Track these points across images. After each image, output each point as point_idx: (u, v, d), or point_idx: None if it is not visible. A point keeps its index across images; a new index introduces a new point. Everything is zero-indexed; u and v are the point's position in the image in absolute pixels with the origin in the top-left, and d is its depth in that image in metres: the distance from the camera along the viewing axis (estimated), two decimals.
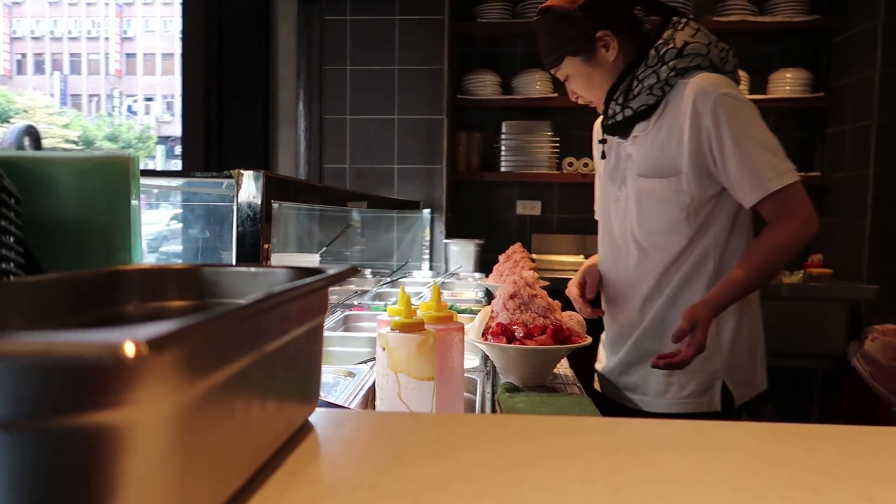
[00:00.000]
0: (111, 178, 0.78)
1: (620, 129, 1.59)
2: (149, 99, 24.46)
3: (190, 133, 3.17)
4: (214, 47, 3.15)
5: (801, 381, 3.46)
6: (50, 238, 0.77)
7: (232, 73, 3.19)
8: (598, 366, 1.78)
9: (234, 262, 0.90)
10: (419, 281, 2.83)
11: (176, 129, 16.55)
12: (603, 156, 1.69)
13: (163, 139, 21.71)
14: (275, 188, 0.90)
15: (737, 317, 1.55)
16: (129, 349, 0.25)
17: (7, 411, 0.27)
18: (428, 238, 3.36)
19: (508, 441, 0.51)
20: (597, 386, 1.78)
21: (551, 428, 0.53)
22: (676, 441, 0.50)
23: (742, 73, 3.53)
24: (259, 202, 0.85)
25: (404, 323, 0.97)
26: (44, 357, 0.26)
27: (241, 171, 0.88)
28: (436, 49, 3.29)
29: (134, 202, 0.80)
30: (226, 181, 0.90)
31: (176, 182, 1.34)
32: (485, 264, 3.07)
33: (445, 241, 3.28)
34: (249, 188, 0.86)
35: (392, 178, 3.34)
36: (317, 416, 0.57)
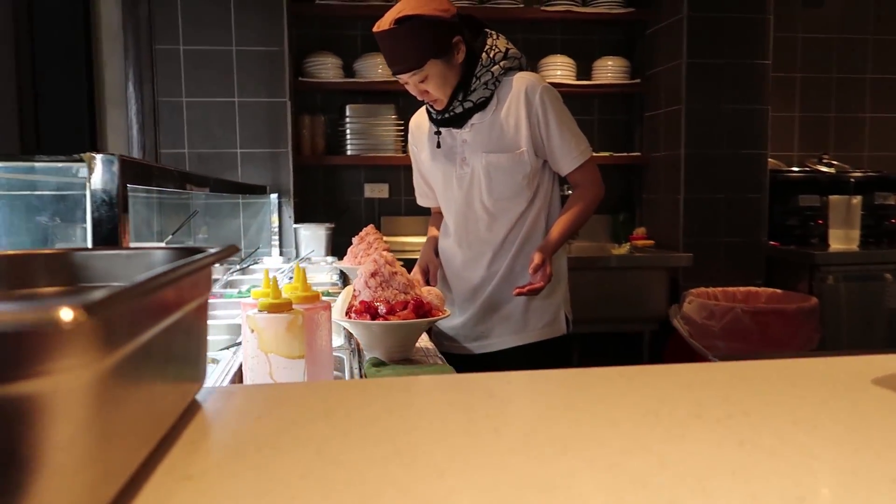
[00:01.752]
0: None
1: (457, 120, 1.90)
2: None
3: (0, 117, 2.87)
4: (25, 21, 2.87)
5: (631, 344, 3.80)
6: None
7: (48, 52, 2.92)
8: (441, 326, 2.04)
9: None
10: (271, 267, 2.78)
11: None
12: (438, 145, 1.97)
13: None
14: (131, 172, 0.87)
15: (563, 258, 1.99)
16: (67, 315, 0.26)
17: None
18: (276, 224, 3.30)
19: (395, 399, 0.55)
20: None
21: (420, 386, 0.58)
22: (499, 388, 0.57)
23: (570, 60, 3.78)
24: (115, 186, 0.82)
25: (273, 304, 0.98)
26: None
27: (94, 155, 0.84)
28: (274, 30, 3.22)
29: None
30: (76, 165, 0.85)
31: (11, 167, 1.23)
32: (336, 248, 3.08)
33: (295, 225, 3.24)
34: (104, 172, 0.82)
35: (236, 162, 3.24)
36: (203, 395, 0.58)
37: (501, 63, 1.88)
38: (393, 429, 0.48)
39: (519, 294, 1.82)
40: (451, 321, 2.00)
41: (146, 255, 0.58)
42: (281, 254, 3.29)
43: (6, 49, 2.82)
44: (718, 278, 3.43)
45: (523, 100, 1.84)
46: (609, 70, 3.82)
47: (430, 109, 1.97)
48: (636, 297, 3.54)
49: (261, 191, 3.22)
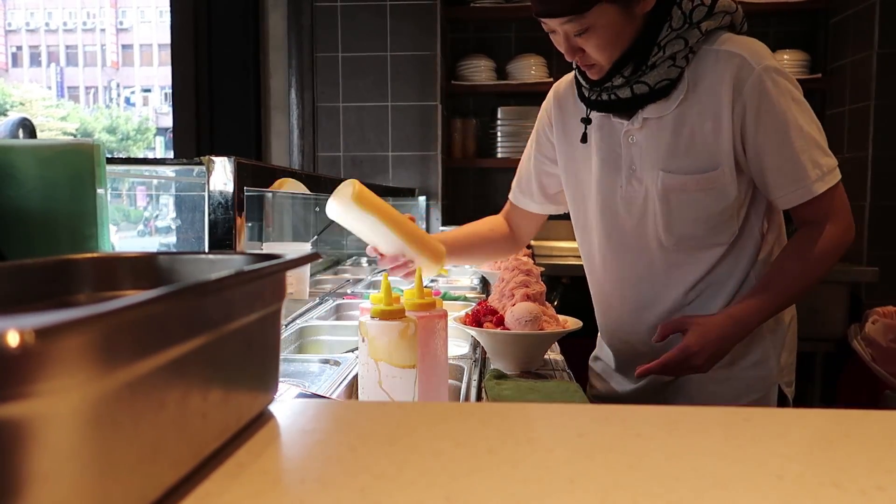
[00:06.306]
0: (75, 167, 0.77)
1: (621, 107, 1.24)
2: (146, 90, 24.39)
3: (181, 122, 3.15)
4: (204, 36, 3.12)
5: (802, 365, 3.44)
6: (13, 228, 0.75)
7: (222, 62, 3.16)
8: (605, 385, 1.49)
9: (206, 250, 0.89)
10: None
11: None
12: (584, 139, 1.31)
13: (162, 130, 21.63)
14: (247, 175, 0.89)
15: (792, 311, 1.39)
16: (13, 339, 0.24)
17: None
18: (424, 226, 3.34)
19: (472, 429, 0.49)
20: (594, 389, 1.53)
21: (516, 415, 0.52)
22: (643, 427, 0.48)
23: None
24: (230, 189, 0.84)
25: (384, 310, 0.95)
26: None
27: (212, 158, 0.87)
28: (428, 35, 3.26)
29: (100, 190, 0.78)
30: (196, 168, 0.88)
31: (146, 170, 1.32)
32: None
33: (442, 228, 3.26)
34: (220, 175, 0.85)
35: (387, 165, 3.32)
36: (279, 406, 0.55)
37: (703, 25, 1.17)
38: (455, 468, 0.42)
39: (641, 374, 1.21)
40: (620, 387, 1.43)
41: (228, 260, 0.56)
42: None
43: (187, 61, 3.09)
44: None
45: (729, 84, 1.16)
46: (785, 65, 3.48)
47: (581, 79, 1.29)
48: (808, 314, 3.17)
49: (409, 193, 3.27)
